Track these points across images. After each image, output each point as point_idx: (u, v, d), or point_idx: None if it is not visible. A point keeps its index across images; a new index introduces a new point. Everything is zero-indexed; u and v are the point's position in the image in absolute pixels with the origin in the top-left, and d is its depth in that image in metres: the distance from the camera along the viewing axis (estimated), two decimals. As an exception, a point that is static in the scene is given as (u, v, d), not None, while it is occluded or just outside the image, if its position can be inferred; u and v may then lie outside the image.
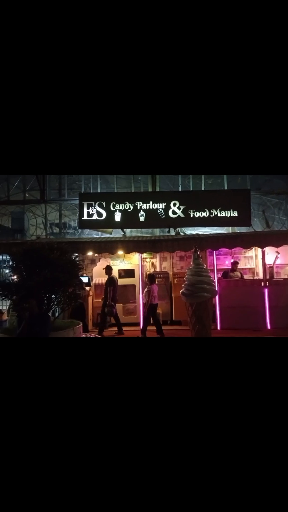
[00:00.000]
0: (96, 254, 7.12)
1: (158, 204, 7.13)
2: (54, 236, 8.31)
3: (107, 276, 6.29)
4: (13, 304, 4.03)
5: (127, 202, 7.21)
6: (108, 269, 6.30)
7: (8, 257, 7.08)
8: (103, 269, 6.60)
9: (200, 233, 7.42)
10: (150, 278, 5.87)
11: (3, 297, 4.11)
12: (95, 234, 7.94)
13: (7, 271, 7.72)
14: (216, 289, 5.16)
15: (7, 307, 6.98)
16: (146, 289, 5.79)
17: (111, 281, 6.16)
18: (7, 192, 8.33)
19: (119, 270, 7.50)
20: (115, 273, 7.45)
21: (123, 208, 7.20)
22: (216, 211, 7.10)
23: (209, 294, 4.86)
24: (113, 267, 7.52)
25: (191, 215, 7.05)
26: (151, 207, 7.16)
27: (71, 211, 8.70)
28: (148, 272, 6.60)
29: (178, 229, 7.39)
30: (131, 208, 7.19)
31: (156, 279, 7.22)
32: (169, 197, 7.19)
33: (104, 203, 7.22)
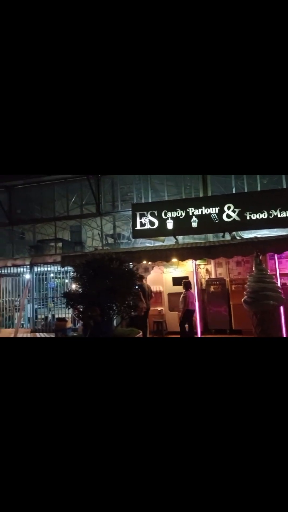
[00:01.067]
0: (149, 263, 7.20)
1: (211, 208, 6.92)
2: (109, 246, 8.67)
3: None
4: (78, 313, 4.26)
5: (179, 209, 7.16)
6: (140, 278, 6.35)
7: (69, 268, 7.61)
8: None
9: (258, 236, 6.95)
10: (186, 285, 6.01)
11: (69, 307, 4.38)
12: (148, 243, 8.04)
13: (67, 281, 8.30)
14: (283, 296, 4.73)
15: (70, 315, 7.46)
16: (182, 295, 5.88)
17: (140, 288, 6.19)
18: (67, 208, 9.02)
19: (173, 278, 7.45)
20: (168, 281, 7.46)
21: (174, 215, 7.17)
22: (276, 211, 6.58)
23: (275, 302, 4.48)
24: (167, 274, 7.55)
25: (248, 218, 6.66)
26: (203, 212, 6.98)
27: (124, 221, 9.01)
28: (184, 280, 6.55)
29: (234, 233, 7.04)
30: (183, 215, 7.12)
31: (212, 286, 7.01)
32: (222, 200, 6.93)
33: (156, 212, 7.29)
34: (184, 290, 6.04)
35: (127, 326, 5.66)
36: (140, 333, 4.36)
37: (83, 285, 4.35)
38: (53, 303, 8.81)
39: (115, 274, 4.08)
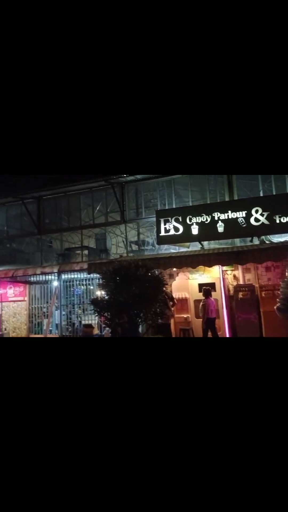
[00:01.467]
0: (174, 269, 7.11)
1: (237, 212, 6.73)
2: (134, 253, 8.71)
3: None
4: (106, 320, 4.29)
5: (204, 214, 7.04)
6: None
7: (93, 275, 7.73)
8: None
9: (289, 240, 6.64)
10: (205, 292, 5.92)
11: (96, 314, 4.42)
12: (172, 249, 7.98)
13: (92, 287, 8.43)
14: None
15: (96, 322, 7.53)
16: (201, 303, 5.66)
17: None
18: (92, 216, 9.23)
19: (199, 284, 7.29)
20: (194, 287, 7.32)
21: (199, 220, 7.06)
22: (308, 213, 6.26)
23: (311, 309, 4.21)
24: (192, 281, 7.41)
25: (277, 221, 6.39)
26: (230, 217, 6.81)
27: (148, 228, 9.02)
28: (204, 287, 6.39)
29: (263, 237, 6.78)
30: (208, 219, 6.99)
31: (241, 293, 6.76)
32: (249, 204, 6.72)
33: (180, 218, 7.23)
34: (203, 298, 5.88)
35: (153, 334, 5.60)
36: (168, 341, 4.28)
37: (110, 292, 4.37)
38: (81, 309, 8.97)
39: (142, 281, 4.06)
